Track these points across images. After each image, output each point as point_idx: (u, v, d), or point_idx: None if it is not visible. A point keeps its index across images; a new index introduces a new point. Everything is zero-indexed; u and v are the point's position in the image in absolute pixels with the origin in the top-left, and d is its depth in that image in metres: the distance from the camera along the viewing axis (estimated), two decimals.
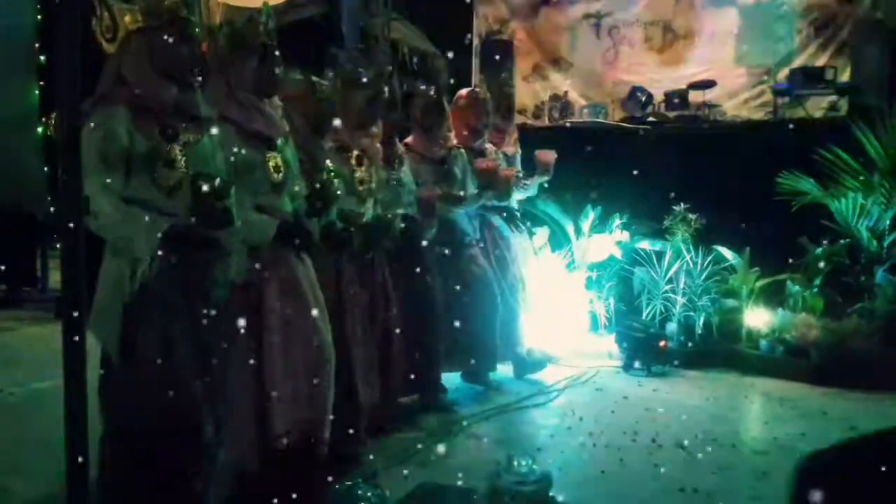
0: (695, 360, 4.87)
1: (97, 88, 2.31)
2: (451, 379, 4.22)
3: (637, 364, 4.76)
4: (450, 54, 7.45)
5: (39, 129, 6.20)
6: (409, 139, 4.13)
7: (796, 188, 4.95)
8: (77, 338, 1.81)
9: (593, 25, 8.87)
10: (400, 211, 3.61)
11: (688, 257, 5.07)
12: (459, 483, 2.90)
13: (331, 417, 2.83)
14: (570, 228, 5.51)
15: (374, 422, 3.39)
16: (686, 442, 3.46)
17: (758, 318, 4.90)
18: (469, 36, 8.78)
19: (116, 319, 2.24)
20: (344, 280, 3.22)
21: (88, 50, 1.93)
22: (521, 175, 4.80)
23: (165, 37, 2.33)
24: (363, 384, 3.24)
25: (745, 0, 8.30)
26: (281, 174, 2.77)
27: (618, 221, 5.39)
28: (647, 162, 5.42)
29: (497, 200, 4.48)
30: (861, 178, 4.88)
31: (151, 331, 2.28)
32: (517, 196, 4.80)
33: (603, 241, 5.41)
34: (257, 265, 2.69)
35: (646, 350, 4.77)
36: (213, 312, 2.41)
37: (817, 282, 4.86)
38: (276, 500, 2.51)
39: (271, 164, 2.74)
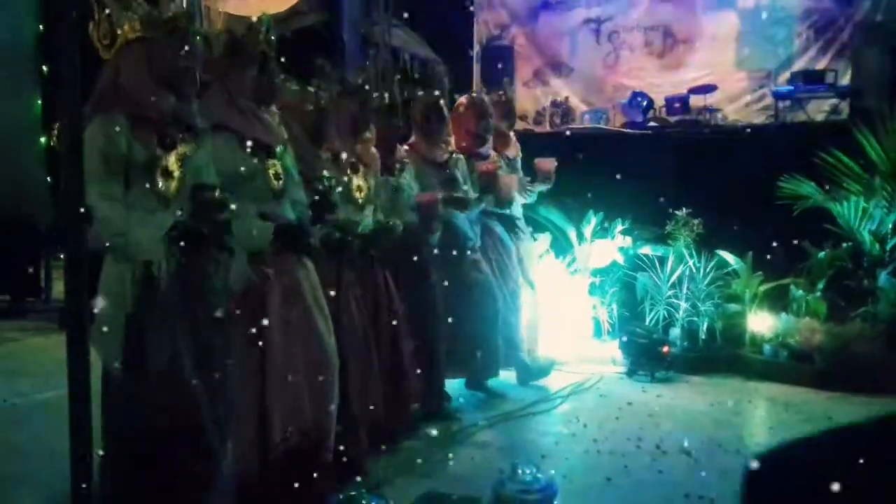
0: (698, 366, 4.86)
1: (93, 95, 2.31)
2: (454, 386, 4.21)
3: (641, 370, 4.76)
4: (450, 60, 7.47)
5: (42, 139, 6.21)
6: (410, 142, 4.14)
7: (798, 192, 4.94)
8: (81, 348, 1.81)
9: (593, 30, 8.88)
10: (398, 220, 3.61)
11: (690, 262, 5.06)
12: (464, 492, 2.89)
13: (334, 424, 2.82)
14: (572, 234, 5.51)
15: (383, 430, 3.38)
16: (690, 448, 3.45)
17: (761, 322, 4.89)
18: (471, 50, 8.82)
19: (119, 328, 2.24)
20: (344, 287, 3.21)
21: (85, 55, 1.93)
22: (527, 181, 4.82)
23: (166, 48, 2.34)
24: (362, 392, 3.23)
25: (745, 4, 8.31)
26: (281, 181, 2.78)
27: (620, 227, 5.39)
28: (649, 167, 5.42)
29: (497, 207, 4.48)
30: (863, 181, 4.88)
31: (156, 338, 2.28)
32: (520, 200, 4.81)
33: (605, 246, 5.40)
34: (260, 270, 2.69)
35: (649, 356, 4.77)
36: (216, 318, 2.42)
37: (820, 286, 4.85)
38: None
39: (271, 171, 2.75)
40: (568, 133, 7.00)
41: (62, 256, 1.94)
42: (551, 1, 9.02)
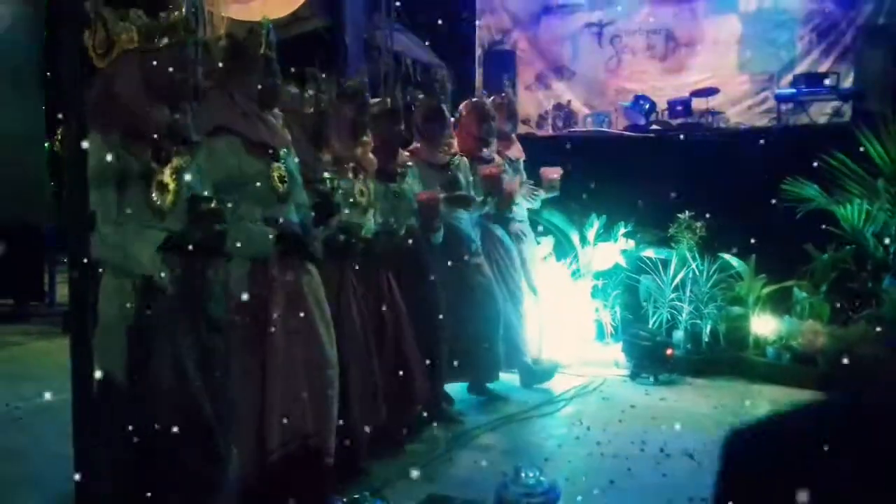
0: (701, 368, 4.86)
1: (86, 105, 2.30)
2: (457, 389, 4.21)
3: (644, 373, 4.75)
4: (453, 65, 7.48)
5: (46, 145, 6.24)
6: (412, 147, 4.15)
7: (801, 195, 4.94)
8: (85, 352, 1.81)
9: (595, 34, 8.90)
10: (400, 223, 3.61)
11: (693, 265, 5.06)
12: (467, 495, 2.89)
13: (335, 429, 2.82)
14: (575, 237, 5.51)
15: (386, 433, 3.38)
16: (694, 451, 3.44)
17: (764, 325, 4.88)
18: (473, 54, 8.84)
19: (120, 339, 2.23)
20: (346, 289, 3.22)
21: (81, 63, 1.93)
22: (531, 185, 4.82)
23: (163, 59, 2.32)
24: (364, 395, 3.23)
25: (747, 7, 8.32)
26: (286, 185, 2.78)
27: (623, 230, 5.39)
28: (651, 170, 5.42)
29: (499, 210, 4.48)
30: (866, 183, 4.87)
31: (157, 348, 2.27)
32: (525, 205, 4.81)
33: (608, 249, 5.40)
34: (263, 276, 2.70)
35: (652, 358, 4.76)
36: (217, 326, 2.42)
37: (824, 288, 4.84)
38: None
39: (276, 175, 2.75)
40: (568, 146, 7.01)
41: (65, 260, 1.94)
42: (553, 5, 9.04)
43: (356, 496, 2.74)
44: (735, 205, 5.04)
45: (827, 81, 7.04)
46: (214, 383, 2.41)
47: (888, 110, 5.01)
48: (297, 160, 2.92)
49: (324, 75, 3.17)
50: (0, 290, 6.66)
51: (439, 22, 8.31)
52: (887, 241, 4.84)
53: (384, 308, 3.49)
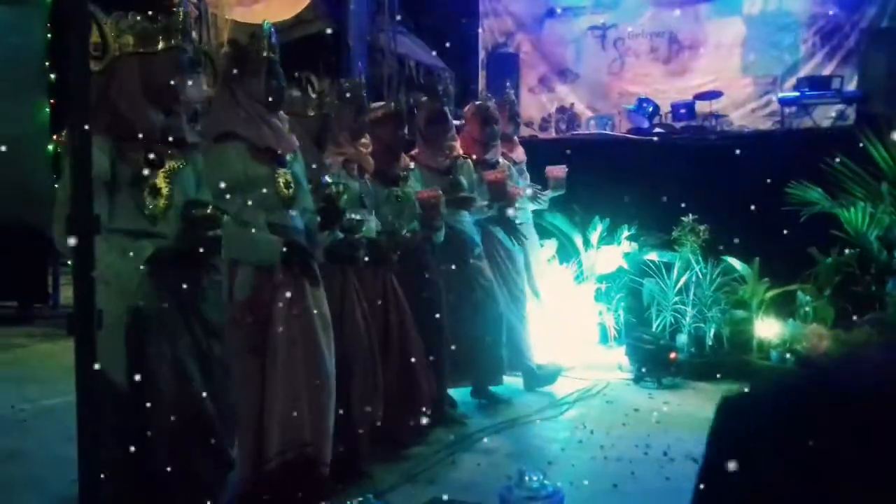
0: (705, 372, 4.84)
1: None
2: (460, 392, 4.21)
3: (647, 376, 4.75)
4: (456, 68, 7.49)
5: (50, 147, 6.25)
6: (414, 151, 4.15)
7: (805, 198, 4.93)
8: (89, 354, 1.81)
9: (598, 37, 8.90)
10: (402, 226, 3.62)
11: (697, 268, 5.06)
12: (470, 498, 2.89)
13: (331, 439, 2.81)
14: (578, 240, 5.50)
15: (390, 436, 3.38)
16: (698, 454, 3.42)
17: (768, 328, 4.87)
18: (477, 57, 8.84)
19: (118, 343, 2.23)
20: (350, 293, 3.22)
21: (59, 64, 1.92)
22: (538, 189, 4.81)
23: (158, 63, 2.32)
24: (368, 399, 3.23)
25: (751, 10, 8.31)
26: (291, 190, 2.77)
27: (626, 233, 5.38)
28: (655, 173, 5.42)
29: (499, 213, 4.47)
30: (870, 187, 4.86)
31: (153, 353, 2.27)
32: (531, 206, 4.81)
33: (611, 252, 5.40)
34: (267, 283, 2.70)
35: (656, 362, 4.75)
36: (213, 329, 2.42)
37: (828, 292, 4.83)
38: None
39: (281, 180, 2.75)
40: (568, 152, 7.01)
41: (69, 263, 1.94)
42: (556, 8, 9.05)
43: (359, 499, 2.73)
44: (738, 208, 5.04)
45: (831, 85, 7.02)
46: (212, 387, 2.41)
47: (892, 113, 5.01)
48: (304, 164, 2.92)
49: (316, 78, 3.17)
50: (4, 292, 6.68)
51: (442, 25, 8.33)
52: (891, 244, 4.83)
53: (389, 310, 3.49)
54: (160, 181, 2.32)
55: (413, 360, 3.54)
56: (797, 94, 7.05)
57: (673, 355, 4.77)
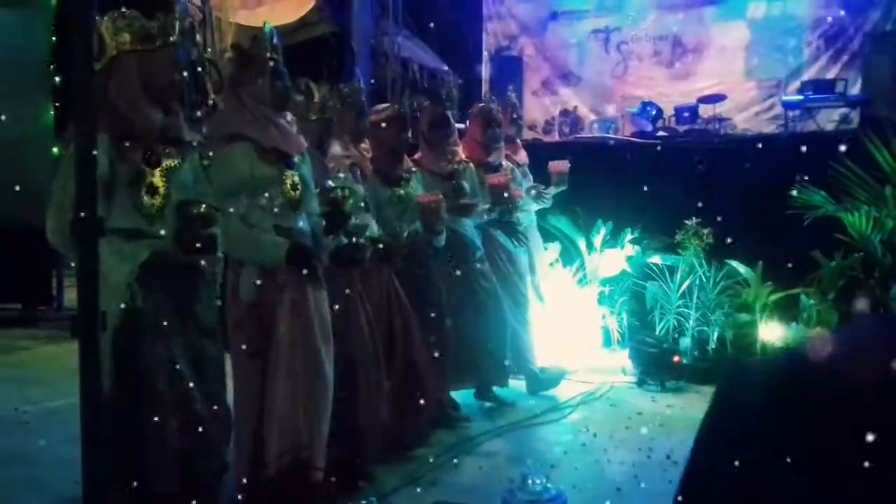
0: (709, 375, 4.83)
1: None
2: (463, 395, 4.21)
3: (651, 379, 4.74)
4: (460, 71, 7.50)
5: (55, 149, 6.27)
6: (417, 155, 4.15)
7: (809, 201, 4.92)
8: (93, 356, 1.82)
9: (602, 40, 8.91)
10: (403, 227, 3.62)
11: (700, 272, 5.05)
12: (473, 502, 2.89)
13: (326, 444, 2.80)
14: (581, 244, 5.50)
15: (392, 439, 3.38)
16: None
17: (771, 332, 4.86)
18: (480, 60, 8.85)
19: (106, 348, 2.23)
20: (353, 296, 3.22)
21: (63, 66, 1.93)
22: (542, 189, 4.82)
23: (155, 62, 2.33)
24: (371, 402, 3.23)
25: (754, 13, 8.31)
26: (298, 192, 2.78)
27: (629, 236, 5.38)
28: (658, 176, 5.41)
29: (502, 216, 4.47)
30: (874, 190, 4.85)
31: (146, 354, 2.27)
32: (534, 206, 4.81)
33: (615, 255, 5.40)
34: (272, 284, 2.70)
35: (659, 365, 4.75)
36: (207, 330, 2.42)
37: (831, 296, 4.82)
38: None
39: (288, 182, 2.75)
40: (574, 150, 7.02)
41: (73, 265, 1.95)
42: (559, 12, 9.06)
43: (363, 502, 2.74)
44: (742, 211, 5.03)
45: (835, 88, 7.02)
46: (206, 389, 2.41)
47: None
48: (310, 166, 2.93)
49: (315, 84, 3.17)
50: (8, 295, 6.70)
51: (446, 28, 8.34)
52: (895, 248, 4.82)
53: (393, 312, 3.49)
54: (158, 180, 2.33)
55: (417, 362, 3.54)
56: (801, 97, 7.05)
57: (676, 359, 4.77)
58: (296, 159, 2.81)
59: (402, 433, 3.48)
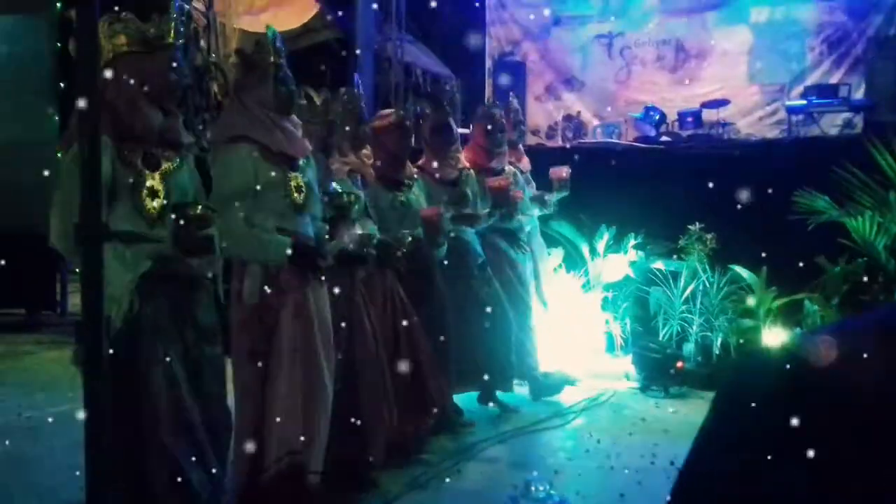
0: (712, 381, 4.82)
1: (75, 114, 2.31)
2: (466, 401, 4.20)
3: (654, 385, 4.73)
4: (463, 76, 7.51)
5: (59, 154, 6.28)
6: (421, 161, 4.16)
7: (812, 206, 4.91)
8: (97, 361, 1.82)
9: (605, 45, 8.91)
10: (406, 232, 3.63)
11: (704, 277, 5.04)
12: None
13: (324, 447, 2.81)
14: (584, 249, 5.50)
15: (396, 444, 3.38)
16: None
17: (775, 338, 4.84)
18: (484, 66, 8.86)
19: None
20: (357, 300, 3.22)
21: (65, 72, 1.94)
22: (546, 197, 4.81)
23: (152, 64, 2.34)
24: (375, 406, 3.23)
25: (758, 18, 8.31)
26: (303, 195, 2.78)
27: (633, 241, 5.38)
28: (662, 181, 5.41)
29: (503, 222, 4.46)
30: (878, 195, 4.84)
31: (144, 359, 2.28)
32: (536, 212, 4.80)
33: (618, 261, 5.39)
34: (275, 286, 2.70)
35: (663, 371, 4.74)
36: (206, 334, 2.42)
37: (835, 301, 4.81)
38: None
39: (293, 184, 2.76)
40: (575, 158, 7.02)
41: (77, 270, 1.95)
42: (563, 17, 9.07)
43: None
44: (746, 216, 5.02)
45: (838, 93, 7.02)
46: (203, 394, 2.41)
47: None
48: (315, 170, 2.93)
49: (314, 91, 3.18)
50: (12, 300, 6.71)
51: (449, 34, 8.35)
52: None
53: (397, 315, 3.50)
54: (157, 183, 2.33)
55: (421, 365, 3.54)
56: (804, 102, 7.05)
57: (680, 364, 4.76)
58: (301, 162, 2.81)
59: (405, 437, 3.48)
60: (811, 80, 7.84)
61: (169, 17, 2.38)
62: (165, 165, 2.37)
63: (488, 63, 9.11)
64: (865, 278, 4.84)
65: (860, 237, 4.85)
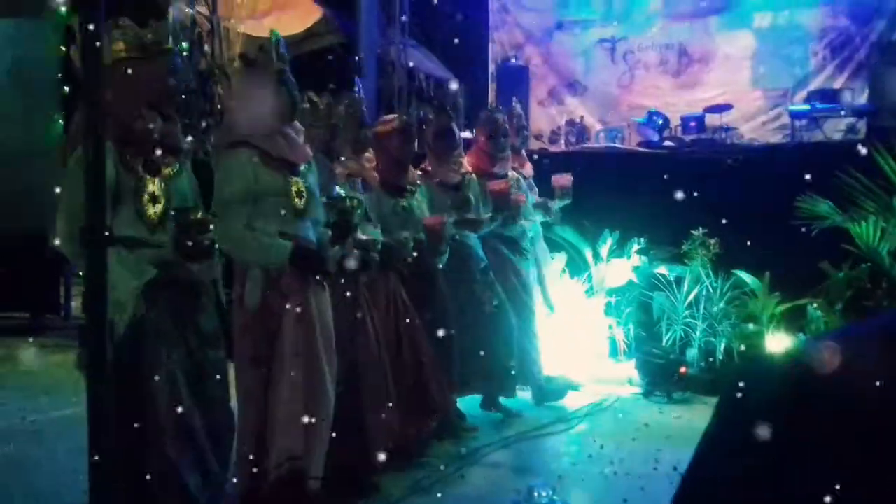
0: (716, 387, 4.81)
1: (76, 118, 2.32)
2: (469, 406, 4.20)
3: (657, 391, 4.72)
4: (466, 80, 7.52)
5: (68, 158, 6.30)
6: (424, 166, 4.16)
7: (815, 211, 4.90)
8: (101, 365, 1.82)
9: (608, 50, 8.92)
10: (408, 236, 3.63)
11: (707, 282, 5.04)
12: None
13: (326, 452, 2.80)
14: (588, 254, 5.49)
15: (399, 448, 3.37)
16: None
17: (779, 343, 4.83)
18: (486, 70, 8.87)
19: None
20: (360, 304, 3.22)
21: (68, 77, 1.95)
22: (549, 204, 4.81)
23: (151, 69, 2.34)
24: (378, 410, 3.23)
25: (761, 23, 8.31)
26: (304, 200, 2.78)
27: (636, 246, 5.37)
28: (665, 186, 5.41)
29: (504, 227, 4.46)
30: (881, 201, 4.83)
31: (146, 364, 2.28)
32: (537, 218, 4.80)
33: (621, 266, 5.38)
34: (276, 290, 2.70)
35: (666, 376, 4.73)
36: (209, 339, 2.42)
37: (839, 307, 4.79)
38: None
39: (294, 189, 2.76)
40: (581, 160, 7.03)
41: (81, 274, 1.96)
42: (566, 21, 9.07)
43: None
44: (749, 221, 5.02)
45: (841, 98, 7.01)
46: (205, 399, 2.41)
47: None
48: (317, 175, 2.94)
49: (316, 95, 3.18)
50: (16, 303, 6.72)
51: (452, 38, 8.37)
52: None
53: (399, 319, 3.49)
54: (157, 188, 2.34)
55: (423, 370, 3.54)
56: (808, 107, 7.05)
57: (683, 370, 4.75)
58: (302, 168, 2.82)
59: (407, 440, 3.48)
60: (814, 84, 7.83)
61: (167, 23, 2.39)
62: (165, 171, 2.37)
63: (491, 67, 9.12)
64: (869, 284, 4.83)
65: (864, 242, 4.84)
